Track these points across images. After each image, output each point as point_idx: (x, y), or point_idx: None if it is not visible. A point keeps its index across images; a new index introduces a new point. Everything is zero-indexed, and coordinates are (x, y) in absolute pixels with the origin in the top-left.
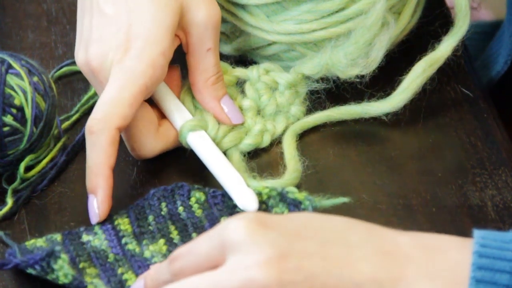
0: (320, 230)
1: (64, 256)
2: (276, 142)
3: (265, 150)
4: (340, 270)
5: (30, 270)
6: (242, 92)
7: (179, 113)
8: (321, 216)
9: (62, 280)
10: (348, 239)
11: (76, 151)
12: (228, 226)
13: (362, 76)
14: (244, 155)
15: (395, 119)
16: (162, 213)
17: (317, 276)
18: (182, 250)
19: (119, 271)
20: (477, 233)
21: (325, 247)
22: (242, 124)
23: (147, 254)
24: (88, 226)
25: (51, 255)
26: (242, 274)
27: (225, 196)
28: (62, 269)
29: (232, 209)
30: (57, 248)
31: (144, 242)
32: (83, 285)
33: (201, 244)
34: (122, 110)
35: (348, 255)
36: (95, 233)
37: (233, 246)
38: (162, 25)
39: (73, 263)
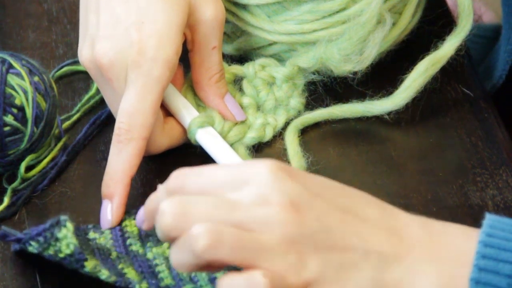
0: (342, 197)
1: (69, 225)
2: (279, 138)
3: (268, 146)
4: (354, 235)
5: (31, 248)
6: (240, 90)
7: (186, 111)
8: (345, 186)
9: (64, 250)
10: (365, 212)
11: (76, 151)
12: (254, 165)
13: (355, 73)
14: (250, 150)
15: (396, 118)
16: None
17: (334, 233)
18: (190, 170)
19: (120, 266)
20: (487, 220)
21: (344, 213)
22: (244, 121)
23: (149, 255)
24: (96, 224)
25: (57, 224)
26: (261, 210)
27: None
28: (66, 239)
29: None
30: (63, 217)
31: (149, 244)
32: (83, 257)
33: (218, 172)
34: (147, 119)
35: (363, 226)
36: (102, 232)
37: (254, 184)
38: (173, 24)
39: (80, 245)
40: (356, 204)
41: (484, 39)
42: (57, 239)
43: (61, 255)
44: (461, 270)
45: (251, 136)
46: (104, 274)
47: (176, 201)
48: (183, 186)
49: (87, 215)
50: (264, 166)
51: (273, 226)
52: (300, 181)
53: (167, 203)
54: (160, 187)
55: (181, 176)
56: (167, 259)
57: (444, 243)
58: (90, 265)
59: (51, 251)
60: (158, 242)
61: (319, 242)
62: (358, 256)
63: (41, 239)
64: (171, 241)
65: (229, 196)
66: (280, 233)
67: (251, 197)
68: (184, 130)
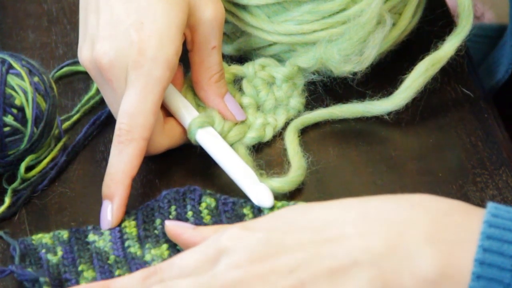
0: (313, 220)
1: None
2: (279, 138)
3: (268, 146)
4: (334, 250)
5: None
6: (240, 89)
7: (186, 111)
8: (319, 205)
9: None
10: (343, 219)
11: (76, 151)
12: (220, 238)
13: (355, 73)
14: (250, 150)
15: (396, 118)
16: (170, 216)
17: (311, 263)
18: (161, 266)
19: (117, 273)
20: (491, 203)
21: (317, 235)
22: (244, 121)
23: (147, 257)
24: (95, 225)
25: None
26: (236, 272)
27: (236, 204)
28: None
29: (241, 218)
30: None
31: (147, 245)
32: None
33: (191, 257)
34: (147, 120)
35: (342, 234)
36: (102, 234)
37: (226, 253)
38: (173, 24)
39: (73, 265)
40: (331, 217)
41: (485, 38)
42: None
43: None
44: (461, 248)
45: (251, 136)
46: None
47: (160, 286)
48: (162, 281)
49: (87, 215)
50: (228, 235)
51: (253, 285)
52: (263, 229)
53: None
54: (134, 280)
55: (153, 276)
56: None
57: (442, 220)
58: None
59: None
60: (157, 243)
61: (301, 278)
62: (346, 266)
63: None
64: None
65: (206, 272)
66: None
67: (224, 266)
68: (184, 130)
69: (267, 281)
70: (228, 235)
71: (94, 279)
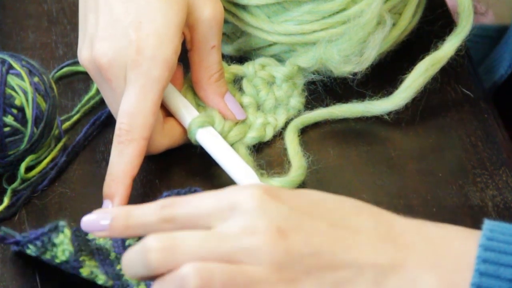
0: (332, 211)
1: (67, 231)
2: (279, 138)
3: (268, 146)
4: (345, 252)
5: (29, 250)
6: (240, 89)
7: (186, 110)
8: (334, 197)
9: (60, 256)
10: (357, 223)
11: (76, 152)
12: (240, 192)
13: (355, 74)
14: (250, 150)
15: (396, 119)
16: None
17: (324, 254)
18: (179, 200)
19: (118, 267)
20: (486, 225)
21: (334, 229)
22: (244, 120)
23: None
24: None
25: (55, 229)
26: (249, 239)
27: None
28: (62, 244)
29: None
30: (61, 223)
31: None
32: (78, 265)
33: (205, 201)
34: (147, 119)
35: (355, 239)
36: None
37: (241, 212)
38: (172, 23)
39: (75, 252)
40: (347, 216)
41: (485, 38)
42: (54, 245)
43: (57, 261)
44: (461, 275)
45: (252, 136)
46: (101, 280)
47: (164, 236)
48: (174, 216)
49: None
50: (249, 193)
51: (261, 256)
52: (287, 202)
53: (154, 237)
54: (151, 209)
55: (169, 208)
56: None
57: (442, 247)
58: (85, 272)
59: (48, 256)
60: None
61: (309, 265)
62: (352, 272)
63: (38, 243)
64: (154, 277)
65: (216, 227)
66: (268, 262)
67: (237, 227)
68: (184, 130)
69: (275, 262)
70: (250, 193)
71: (96, 267)
